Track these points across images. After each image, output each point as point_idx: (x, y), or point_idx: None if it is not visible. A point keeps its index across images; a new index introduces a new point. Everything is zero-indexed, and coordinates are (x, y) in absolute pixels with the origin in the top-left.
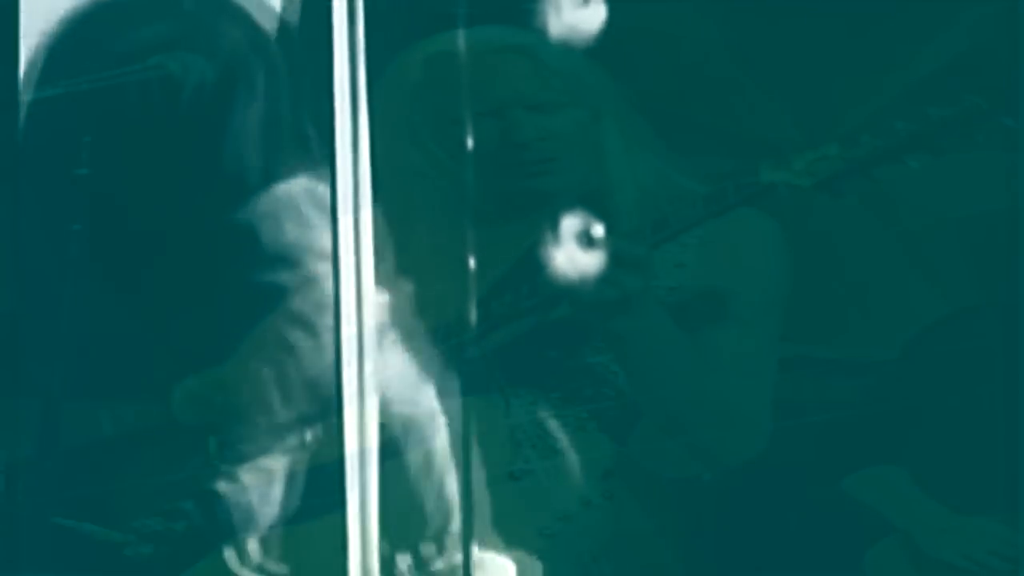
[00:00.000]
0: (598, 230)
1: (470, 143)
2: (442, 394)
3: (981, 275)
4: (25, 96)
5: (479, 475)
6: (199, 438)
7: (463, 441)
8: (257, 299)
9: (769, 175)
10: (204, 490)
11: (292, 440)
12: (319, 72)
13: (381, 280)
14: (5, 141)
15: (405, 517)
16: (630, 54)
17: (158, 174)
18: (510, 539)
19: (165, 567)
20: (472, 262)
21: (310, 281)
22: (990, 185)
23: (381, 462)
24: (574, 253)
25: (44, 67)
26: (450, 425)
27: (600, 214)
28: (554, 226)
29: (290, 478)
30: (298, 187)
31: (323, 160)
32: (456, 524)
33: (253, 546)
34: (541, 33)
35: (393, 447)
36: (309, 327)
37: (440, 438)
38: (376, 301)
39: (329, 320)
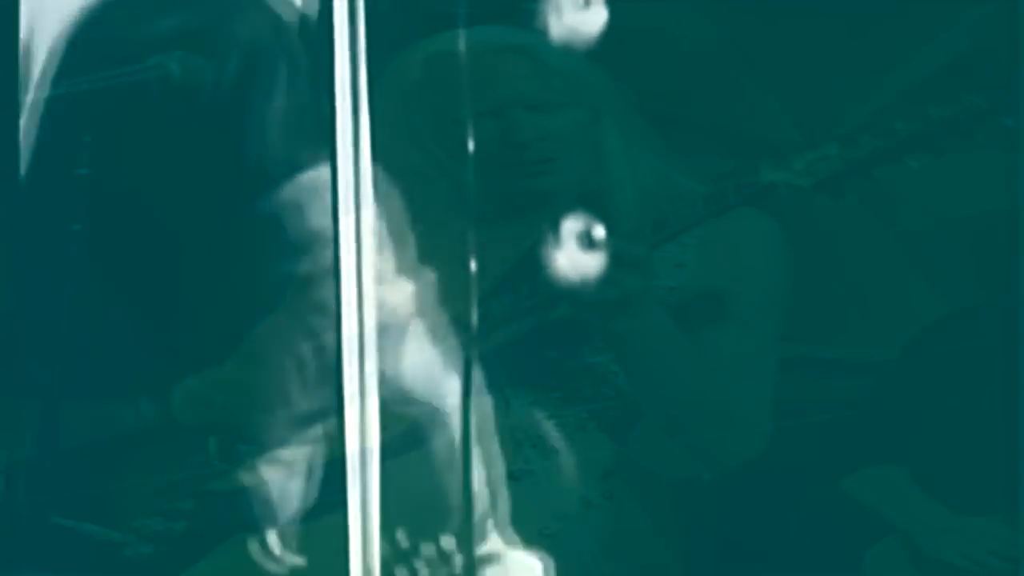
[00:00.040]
0: (598, 230)
1: (470, 143)
2: (449, 392)
3: (981, 275)
4: (30, 96)
5: (496, 472)
6: (199, 438)
7: (463, 441)
8: (260, 299)
9: (769, 175)
10: (204, 490)
11: (312, 432)
12: (319, 72)
13: (390, 276)
14: (5, 141)
15: (424, 511)
16: (630, 54)
17: (157, 174)
18: (510, 539)
19: (165, 567)
20: (472, 262)
21: (320, 275)
22: (990, 185)
23: (399, 455)
24: (574, 253)
25: (53, 66)
26: (451, 425)
27: (600, 214)
28: (554, 226)
29: (309, 471)
30: (308, 181)
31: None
32: (481, 513)
33: (253, 546)
34: (541, 33)
35: (415, 439)
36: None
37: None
38: (388, 298)
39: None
